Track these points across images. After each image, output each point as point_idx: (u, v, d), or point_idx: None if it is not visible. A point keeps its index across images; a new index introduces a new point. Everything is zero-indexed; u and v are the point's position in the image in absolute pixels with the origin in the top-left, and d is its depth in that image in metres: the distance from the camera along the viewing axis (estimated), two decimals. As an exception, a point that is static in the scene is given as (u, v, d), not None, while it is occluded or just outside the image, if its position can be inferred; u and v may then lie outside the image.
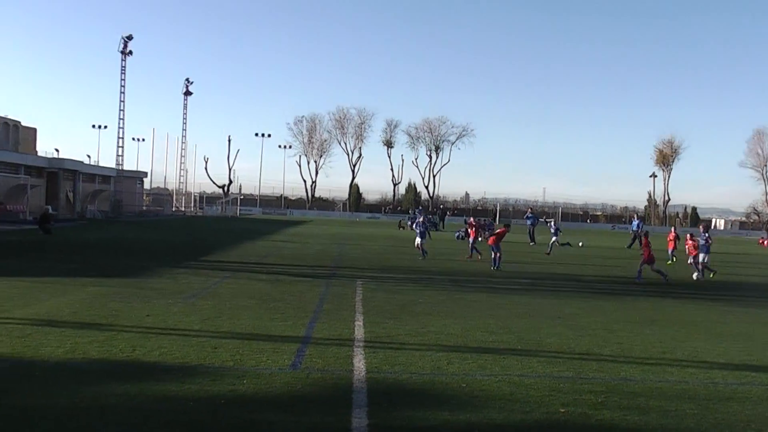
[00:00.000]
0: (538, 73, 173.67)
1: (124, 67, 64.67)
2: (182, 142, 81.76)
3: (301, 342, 9.12)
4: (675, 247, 27.87)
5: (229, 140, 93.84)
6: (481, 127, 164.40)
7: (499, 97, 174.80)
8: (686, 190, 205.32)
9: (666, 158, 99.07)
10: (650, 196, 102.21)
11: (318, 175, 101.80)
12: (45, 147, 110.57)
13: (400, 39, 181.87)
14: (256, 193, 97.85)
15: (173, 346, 8.52)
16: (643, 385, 7.60)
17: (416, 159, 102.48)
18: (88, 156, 76.00)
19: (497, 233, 22.36)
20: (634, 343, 10.07)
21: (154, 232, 37.34)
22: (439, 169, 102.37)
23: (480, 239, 27.13)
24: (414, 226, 25.79)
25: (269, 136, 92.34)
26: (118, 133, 65.95)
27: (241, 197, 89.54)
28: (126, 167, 68.34)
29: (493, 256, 21.39)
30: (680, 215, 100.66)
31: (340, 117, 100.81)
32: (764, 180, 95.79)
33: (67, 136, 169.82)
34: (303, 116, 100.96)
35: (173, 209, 78.86)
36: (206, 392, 6.58)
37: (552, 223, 31.82)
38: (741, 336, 11.11)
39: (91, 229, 38.14)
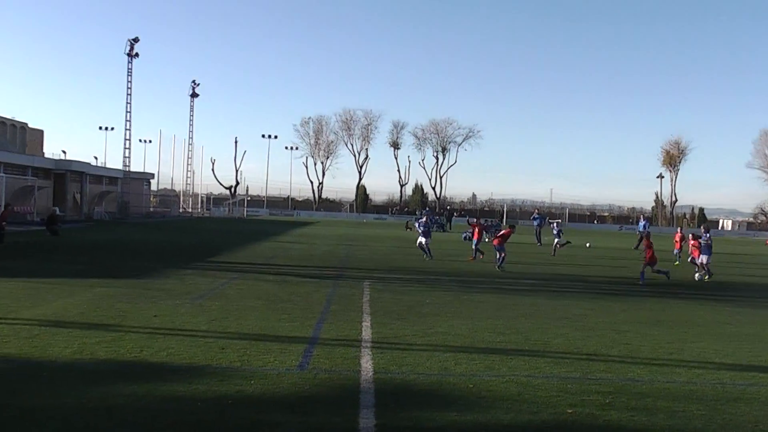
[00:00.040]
0: (545, 75, 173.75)
1: (131, 69, 64.94)
2: (189, 144, 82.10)
3: (308, 342, 9.13)
4: (681, 248, 27.78)
5: (236, 141, 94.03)
6: (488, 128, 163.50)
7: (506, 99, 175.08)
8: (693, 190, 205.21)
9: (673, 159, 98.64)
10: (657, 197, 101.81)
11: (325, 176, 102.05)
12: (52, 149, 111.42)
13: (406, 41, 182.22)
14: (263, 194, 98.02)
15: (180, 346, 8.54)
16: (651, 385, 7.57)
17: (423, 160, 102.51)
18: (95, 158, 76.43)
19: (502, 234, 22.36)
20: (642, 343, 10.04)
21: (161, 233, 37.45)
22: (446, 171, 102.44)
23: (487, 240, 27.10)
24: (417, 226, 25.78)
25: (276, 137, 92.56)
26: (125, 134, 66.25)
27: (248, 198, 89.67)
28: (133, 169, 68.57)
29: (498, 256, 21.40)
30: (687, 216, 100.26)
31: (347, 118, 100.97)
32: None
33: (75, 137, 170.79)
34: (310, 118, 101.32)
35: (180, 210, 79.11)
36: (213, 393, 6.59)
37: (555, 225, 31.82)
38: (749, 337, 11.06)
39: (98, 230, 38.27)
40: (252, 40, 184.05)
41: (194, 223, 57.00)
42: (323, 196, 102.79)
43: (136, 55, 65.41)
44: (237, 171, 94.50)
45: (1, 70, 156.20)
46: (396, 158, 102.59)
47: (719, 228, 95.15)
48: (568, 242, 30.62)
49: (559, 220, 44.64)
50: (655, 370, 8.38)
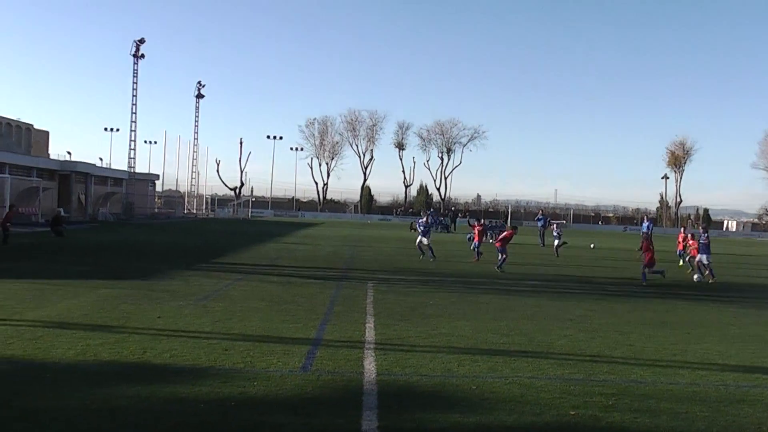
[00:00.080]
0: (550, 77, 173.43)
1: (136, 70, 64.87)
2: (194, 145, 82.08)
3: (311, 344, 9.14)
4: (684, 248, 27.69)
5: (241, 142, 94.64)
6: (492, 129, 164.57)
7: (511, 100, 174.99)
8: (698, 191, 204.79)
9: (678, 160, 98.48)
10: (662, 198, 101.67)
11: (329, 177, 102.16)
12: (57, 150, 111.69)
13: (412, 42, 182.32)
14: (268, 195, 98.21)
15: (184, 348, 8.56)
16: (654, 387, 7.56)
17: (428, 161, 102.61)
18: (100, 159, 76.93)
19: (504, 236, 22.38)
20: (645, 345, 10.02)
21: (166, 234, 37.52)
22: (451, 171, 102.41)
23: (491, 241, 27.07)
24: (419, 227, 25.77)
25: (281, 138, 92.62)
26: (130, 135, 66.17)
27: (253, 199, 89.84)
28: (138, 170, 68.53)
29: (499, 257, 21.42)
30: (692, 217, 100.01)
31: (352, 119, 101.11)
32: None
33: (80, 139, 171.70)
34: (314, 118, 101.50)
35: (185, 211, 79.16)
36: (217, 394, 6.61)
37: (555, 226, 31.83)
38: (753, 338, 11.02)
39: (102, 231, 38.36)
40: (257, 41, 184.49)
41: (199, 224, 57.13)
42: (328, 197, 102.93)
43: (142, 56, 65.36)
44: (242, 172, 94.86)
45: (7, 71, 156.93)
46: (401, 159, 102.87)
47: (724, 229, 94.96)
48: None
49: (563, 221, 44.54)
50: (659, 371, 8.37)
